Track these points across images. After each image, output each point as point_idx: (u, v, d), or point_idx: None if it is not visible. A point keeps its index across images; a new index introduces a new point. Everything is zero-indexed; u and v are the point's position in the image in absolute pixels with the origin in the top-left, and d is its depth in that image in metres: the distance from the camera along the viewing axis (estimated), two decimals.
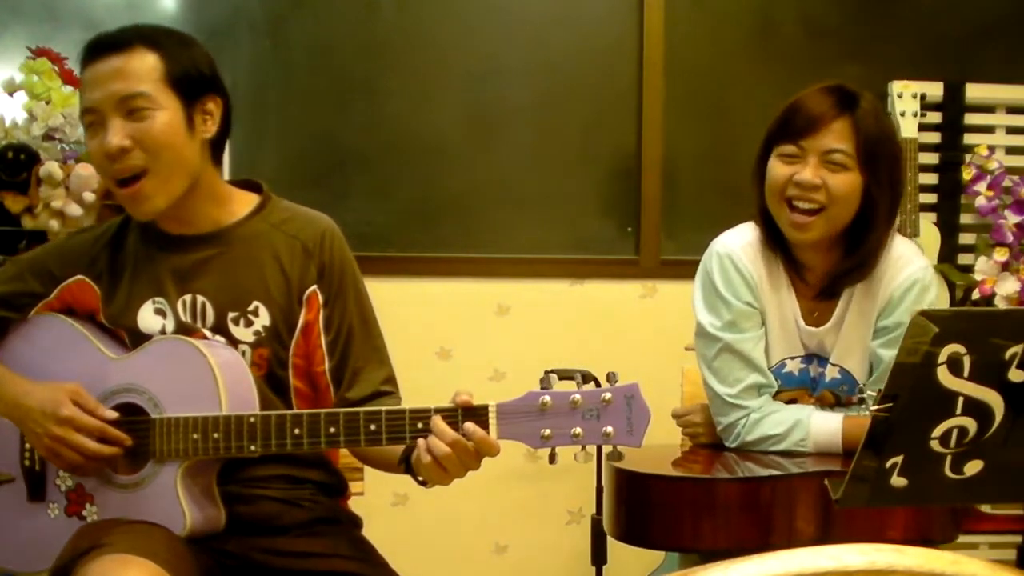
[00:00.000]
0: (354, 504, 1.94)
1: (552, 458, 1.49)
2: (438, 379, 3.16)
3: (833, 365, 2.01)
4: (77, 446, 1.61)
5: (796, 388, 2.04)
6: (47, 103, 2.74)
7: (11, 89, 2.80)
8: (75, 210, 2.71)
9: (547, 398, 1.46)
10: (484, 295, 3.31)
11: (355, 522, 1.86)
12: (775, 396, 2.03)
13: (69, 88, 2.79)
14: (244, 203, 1.80)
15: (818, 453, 1.93)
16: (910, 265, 1.97)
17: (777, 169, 1.94)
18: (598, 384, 1.98)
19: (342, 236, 1.81)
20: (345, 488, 1.89)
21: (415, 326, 3.20)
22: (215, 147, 1.76)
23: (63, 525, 1.67)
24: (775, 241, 1.99)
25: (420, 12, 3.33)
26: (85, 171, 2.73)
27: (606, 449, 1.48)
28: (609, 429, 1.45)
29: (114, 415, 1.64)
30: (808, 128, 1.90)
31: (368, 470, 2.02)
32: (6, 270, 1.86)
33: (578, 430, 1.45)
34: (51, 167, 2.70)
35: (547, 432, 1.46)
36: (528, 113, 3.37)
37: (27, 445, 1.73)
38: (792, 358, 2.02)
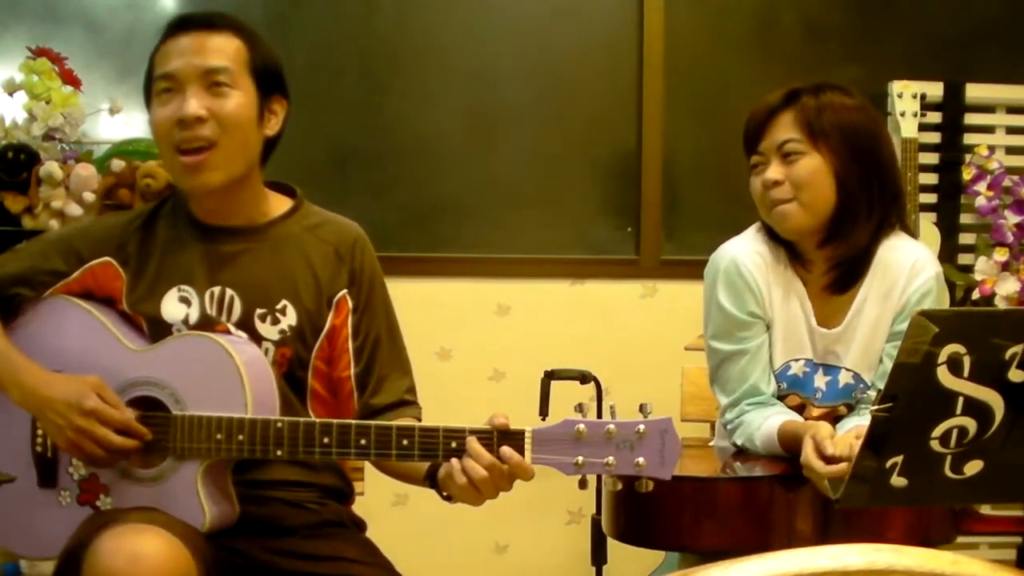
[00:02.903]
0: (354, 504, 1.94)
1: (583, 484, 1.50)
2: (438, 379, 3.15)
3: (848, 370, 2.00)
4: (101, 439, 1.59)
5: (802, 394, 2.03)
6: (47, 103, 2.74)
7: (11, 89, 2.80)
8: (75, 210, 2.71)
9: (582, 427, 1.47)
10: (484, 295, 3.31)
11: (360, 526, 1.86)
12: (782, 400, 2.02)
13: (69, 88, 2.79)
14: (278, 204, 1.83)
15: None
16: (924, 271, 1.97)
17: (752, 183, 1.99)
18: (598, 384, 1.98)
19: (371, 245, 1.83)
20: (351, 493, 1.89)
21: (415, 326, 3.16)
22: (267, 147, 1.79)
23: (75, 513, 1.66)
24: (778, 240, 2.00)
25: (420, 12, 3.33)
26: (85, 171, 2.73)
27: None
28: (641, 460, 1.46)
29: (135, 414, 1.63)
30: (758, 132, 1.97)
31: (368, 470, 2.02)
32: (30, 246, 1.85)
33: (611, 460, 1.47)
34: (51, 167, 2.70)
35: (580, 460, 1.47)
36: (528, 113, 3.37)
37: (40, 432, 1.71)
38: (796, 360, 2.01)
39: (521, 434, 1.50)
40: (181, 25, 1.73)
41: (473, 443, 1.50)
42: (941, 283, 2.00)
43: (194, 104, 1.67)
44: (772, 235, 2.01)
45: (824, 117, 1.92)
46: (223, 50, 1.71)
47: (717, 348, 2.02)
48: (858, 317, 1.99)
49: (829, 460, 1.71)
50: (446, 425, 1.53)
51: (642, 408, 1.48)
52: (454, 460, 1.51)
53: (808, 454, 1.74)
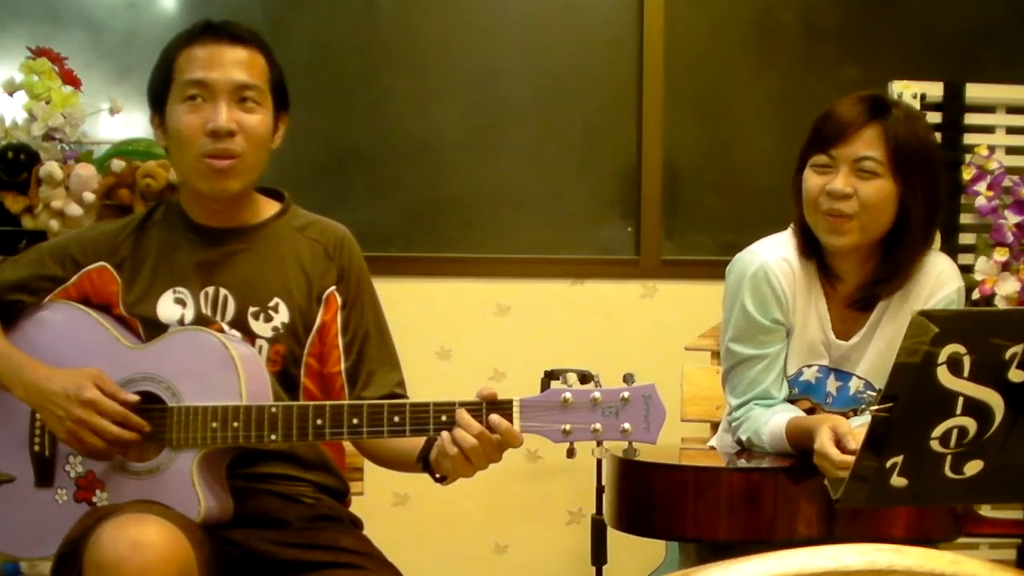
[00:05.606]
0: (354, 504, 1.94)
1: (571, 452, 1.54)
2: (438, 379, 3.16)
3: (859, 378, 2.00)
4: (99, 429, 1.63)
5: (812, 399, 2.03)
6: (47, 103, 2.74)
7: (11, 89, 2.80)
8: (75, 210, 2.71)
9: (568, 395, 1.53)
10: (484, 295, 3.31)
11: (356, 524, 1.87)
12: (793, 403, 2.02)
13: (69, 88, 2.79)
14: (268, 207, 1.88)
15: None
16: (947, 285, 1.97)
17: (811, 180, 1.93)
18: (596, 383, 2.00)
19: (357, 244, 1.88)
20: (347, 492, 1.90)
21: (415, 326, 3.19)
22: None
23: (71, 511, 1.68)
24: (811, 249, 1.98)
25: (420, 12, 3.33)
26: (85, 171, 2.73)
27: (622, 445, 1.55)
28: (627, 426, 1.52)
29: (135, 398, 1.66)
30: (838, 136, 1.89)
31: (367, 470, 2.02)
32: (27, 255, 1.89)
33: (597, 426, 1.52)
34: (51, 167, 2.70)
35: (568, 427, 1.53)
36: (528, 113, 3.37)
37: (37, 430, 1.74)
38: (809, 366, 2.01)
39: (509, 404, 1.55)
40: (213, 33, 1.76)
41: (463, 413, 1.55)
42: (962, 296, 1.99)
43: (227, 117, 1.72)
44: (804, 248, 1.98)
45: (913, 151, 1.88)
46: (255, 67, 1.77)
47: (735, 350, 2.01)
48: (876, 328, 1.98)
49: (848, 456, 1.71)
50: (436, 400, 1.57)
51: (627, 378, 1.54)
52: (444, 433, 1.56)
53: (824, 442, 1.73)
